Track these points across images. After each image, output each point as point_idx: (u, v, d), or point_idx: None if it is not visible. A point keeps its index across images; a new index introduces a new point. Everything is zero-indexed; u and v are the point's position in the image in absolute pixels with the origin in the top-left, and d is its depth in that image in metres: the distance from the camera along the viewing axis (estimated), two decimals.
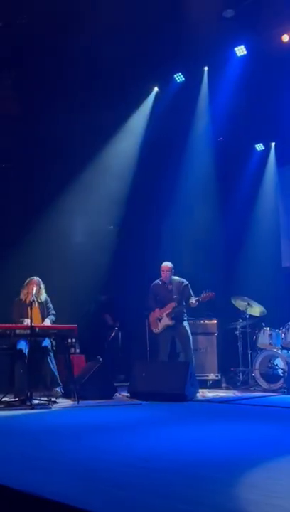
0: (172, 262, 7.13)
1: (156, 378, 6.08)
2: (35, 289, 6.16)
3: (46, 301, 6.44)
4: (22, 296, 6.30)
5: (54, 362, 6.09)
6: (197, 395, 6.28)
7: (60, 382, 6.04)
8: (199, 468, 2.70)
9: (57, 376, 6.05)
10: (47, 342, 6.03)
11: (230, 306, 7.86)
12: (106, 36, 7.31)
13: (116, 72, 7.97)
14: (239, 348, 7.76)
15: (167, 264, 7.04)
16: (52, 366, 6.02)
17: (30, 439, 3.75)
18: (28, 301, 6.03)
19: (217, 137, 9.11)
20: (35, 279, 6.36)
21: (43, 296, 6.39)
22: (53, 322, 6.30)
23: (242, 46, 7.89)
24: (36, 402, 5.54)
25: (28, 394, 5.43)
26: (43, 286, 6.39)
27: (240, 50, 7.93)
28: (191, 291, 6.90)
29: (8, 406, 5.42)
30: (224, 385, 7.56)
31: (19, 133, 8.12)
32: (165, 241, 9.12)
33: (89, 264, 8.34)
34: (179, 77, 8.63)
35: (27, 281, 6.36)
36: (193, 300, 6.75)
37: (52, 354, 6.08)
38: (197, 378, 6.61)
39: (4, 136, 7.88)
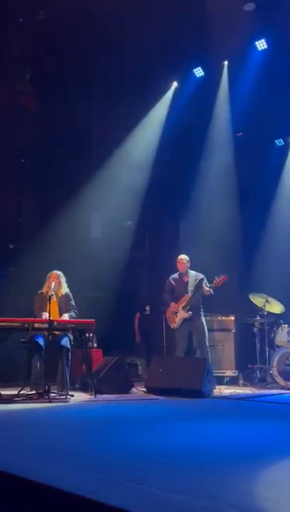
0: (189, 258, 7.13)
1: (172, 374, 6.08)
2: (54, 283, 6.18)
3: (67, 296, 6.41)
4: (44, 290, 6.34)
5: (69, 366, 6.00)
6: (214, 391, 6.26)
7: (68, 389, 5.92)
8: (217, 464, 2.69)
9: (68, 384, 5.96)
10: (65, 341, 5.99)
11: (248, 302, 7.81)
12: (126, 32, 7.30)
13: (135, 67, 7.96)
14: (256, 345, 7.70)
15: (183, 256, 7.11)
16: (66, 371, 5.91)
17: (49, 432, 3.78)
18: (47, 295, 6.06)
19: (237, 132, 9.04)
20: (55, 272, 6.38)
21: (63, 290, 6.39)
22: (73, 318, 6.30)
23: (263, 40, 7.81)
24: (54, 395, 5.57)
25: (46, 387, 5.47)
26: (63, 280, 6.40)
27: (261, 44, 7.85)
28: (207, 284, 6.88)
29: (27, 399, 5.47)
30: (241, 381, 7.52)
31: (39, 128, 8.16)
32: (183, 236, 9.09)
33: (107, 259, 8.36)
34: (199, 72, 8.57)
35: (48, 275, 6.40)
36: (206, 287, 6.75)
37: (69, 355, 6.03)
38: (215, 375, 6.59)
39: (24, 131, 7.93)
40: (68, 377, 5.95)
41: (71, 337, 6.10)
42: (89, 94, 8.06)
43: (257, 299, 7.70)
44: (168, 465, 2.67)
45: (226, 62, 8.51)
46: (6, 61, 7.75)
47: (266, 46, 7.82)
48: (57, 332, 5.96)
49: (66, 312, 6.29)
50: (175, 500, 2.05)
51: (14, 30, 7.68)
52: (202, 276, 6.99)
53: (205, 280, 6.92)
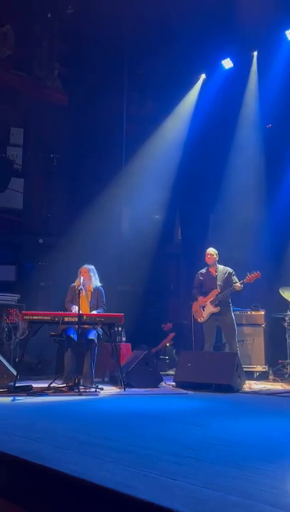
0: (219, 252, 7.08)
1: (202, 369, 6.05)
2: (82, 277, 6.22)
3: (98, 291, 6.43)
4: (75, 283, 6.38)
5: (95, 360, 6.05)
6: (244, 386, 6.20)
7: (93, 382, 5.97)
8: (249, 460, 2.65)
9: (93, 377, 6.02)
10: (92, 334, 6.04)
11: (278, 297, 7.69)
12: (154, 25, 7.25)
13: (163, 61, 7.91)
14: (287, 340, 7.58)
15: (211, 249, 7.06)
16: (92, 365, 5.98)
17: (80, 424, 3.80)
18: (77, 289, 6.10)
19: (266, 124, 8.89)
20: (84, 267, 6.42)
21: (93, 284, 6.42)
22: None
23: None
24: (83, 388, 5.61)
25: (76, 380, 5.51)
26: (93, 274, 6.42)
27: None
28: (236, 279, 6.81)
29: (57, 392, 5.52)
30: (271, 377, 7.43)
31: (68, 123, 8.21)
32: (212, 230, 9.01)
33: (136, 253, 8.36)
34: (227, 63, 8.47)
35: (80, 269, 6.44)
36: (238, 283, 6.68)
37: (95, 349, 6.08)
38: (244, 370, 6.53)
39: (53, 126, 7.99)
40: (93, 370, 6.00)
41: (100, 331, 6.13)
42: (118, 88, 8.05)
43: (288, 293, 7.58)
44: (199, 460, 2.64)
45: (255, 53, 8.37)
46: (35, 57, 7.80)
47: None
48: (86, 326, 6.00)
49: (97, 307, 6.33)
50: (208, 496, 2.02)
51: (42, 26, 7.72)
52: (230, 270, 6.93)
53: (234, 275, 6.85)
